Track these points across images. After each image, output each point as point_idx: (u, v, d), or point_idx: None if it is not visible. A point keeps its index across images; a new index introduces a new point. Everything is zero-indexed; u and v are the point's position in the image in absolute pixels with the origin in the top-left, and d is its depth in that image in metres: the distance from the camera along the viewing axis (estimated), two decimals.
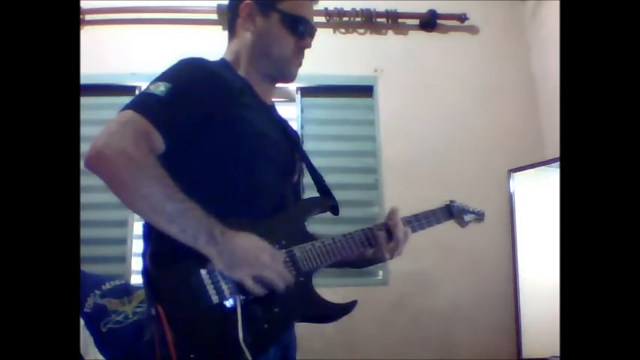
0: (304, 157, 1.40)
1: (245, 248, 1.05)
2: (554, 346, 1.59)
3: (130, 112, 1.06)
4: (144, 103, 1.08)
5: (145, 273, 1.09)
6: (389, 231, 1.32)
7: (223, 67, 1.28)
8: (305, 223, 1.26)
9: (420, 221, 1.39)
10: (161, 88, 1.10)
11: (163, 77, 1.14)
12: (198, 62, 1.21)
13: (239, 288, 1.06)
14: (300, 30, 1.29)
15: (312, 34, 1.33)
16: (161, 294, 1.05)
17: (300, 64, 1.34)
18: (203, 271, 1.05)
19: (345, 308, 1.21)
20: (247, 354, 1.01)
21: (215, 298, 1.04)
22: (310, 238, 1.22)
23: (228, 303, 1.05)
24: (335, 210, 1.39)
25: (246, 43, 1.30)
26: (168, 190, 1.01)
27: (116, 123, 1.04)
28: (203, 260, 1.05)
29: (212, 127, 1.14)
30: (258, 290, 1.05)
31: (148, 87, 1.12)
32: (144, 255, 1.12)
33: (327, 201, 1.37)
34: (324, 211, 1.36)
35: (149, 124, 1.05)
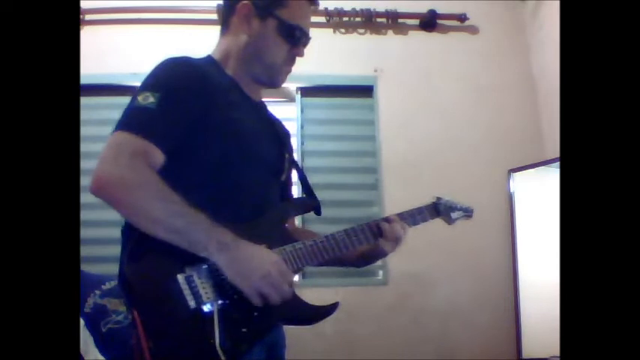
0: (292, 157, 1.39)
1: (257, 260, 1.06)
2: (554, 346, 1.59)
3: (123, 134, 1.05)
4: (135, 121, 1.08)
5: (122, 277, 1.08)
6: (376, 228, 1.31)
7: (209, 66, 1.26)
8: (287, 224, 1.25)
9: (405, 220, 1.36)
10: (150, 99, 1.08)
11: (150, 85, 1.12)
12: (183, 63, 1.19)
13: (217, 293, 1.06)
14: (295, 39, 1.28)
15: (306, 44, 1.33)
16: (138, 299, 1.04)
17: (289, 72, 1.34)
18: (180, 276, 1.04)
19: (326, 311, 1.21)
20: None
21: (192, 303, 1.04)
22: (292, 239, 1.21)
23: (206, 308, 1.04)
24: (317, 211, 1.38)
25: (239, 43, 1.28)
26: (174, 206, 1.02)
27: (112, 147, 1.05)
28: (180, 265, 1.05)
29: (201, 129, 1.14)
30: (257, 302, 1.05)
31: (135, 99, 1.10)
32: (121, 259, 1.11)
33: (309, 202, 1.37)
34: (307, 212, 1.37)
35: (145, 142, 1.05)
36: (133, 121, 1.08)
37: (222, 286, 1.06)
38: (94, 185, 1.01)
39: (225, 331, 1.03)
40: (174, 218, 1.02)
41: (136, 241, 1.05)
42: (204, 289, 1.05)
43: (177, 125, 1.11)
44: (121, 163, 1.02)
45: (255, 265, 1.05)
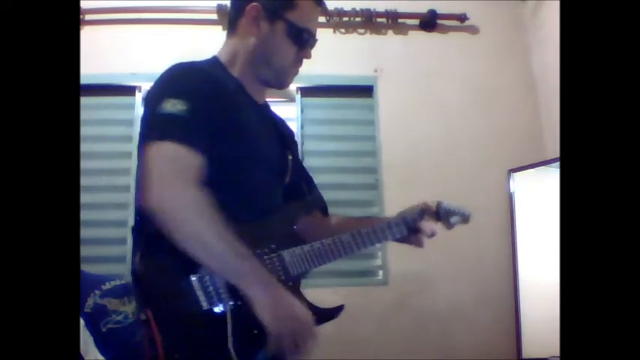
0: (296, 157, 1.39)
1: (288, 314, 1.05)
2: (554, 346, 1.59)
3: (168, 145, 1.05)
4: (173, 129, 1.07)
5: (135, 276, 1.09)
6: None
7: (215, 68, 1.27)
8: (295, 226, 1.25)
9: (408, 223, 1.35)
10: (180, 107, 1.08)
11: (174, 92, 1.11)
12: (195, 68, 1.20)
13: (229, 294, 1.06)
14: (304, 41, 1.28)
15: (313, 45, 1.33)
16: (151, 298, 1.05)
17: (296, 74, 1.34)
18: (193, 277, 1.05)
19: (331, 313, 1.21)
20: None
21: (205, 304, 1.05)
22: (300, 241, 1.22)
23: (218, 309, 1.05)
24: (325, 212, 1.39)
25: (247, 45, 1.28)
26: (223, 238, 1.02)
27: (164, 162, 1.05)
28: (193, 266, 1.05)
29: (217, 132, 1.14)
30: (274, 345, 1.05)
31: (163, 107, 1.09)
32: (134, 258, 1.11)
33: (316, 202, 1.37)
34: (313, 213, 1.36)
35: (187, 151, 1.05)
36: (170, 130, 1.07)
37: (233, 287, 1.06)
38: (153, 204, 1.02)
39: (237, 332, 1.04)
40: (219, 252, 1.03)
41: (149, 242, 1.06)
42: (217, 290, 1.06)
43: (207, 129, 1.11)
44: (180, 185, 1.03)
45: (283, 317, 1.04)
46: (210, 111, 1.13)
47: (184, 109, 1.08)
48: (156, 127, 1.09)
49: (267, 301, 1.03)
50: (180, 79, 1.16)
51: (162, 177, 1.04)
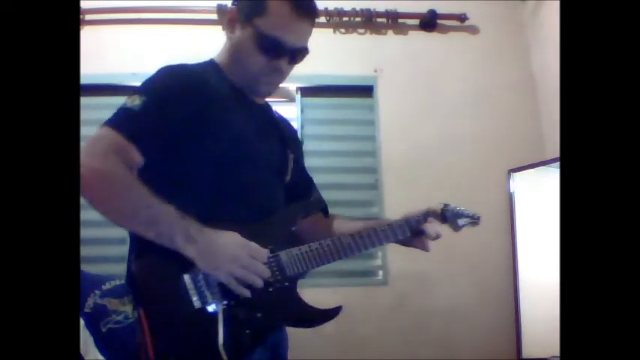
0: (297, 158, 1.39)
1: (225, 246, 1.06)
2: (554, 346, 1.59)
3: (104, 129, 1.08)
4: (119, 119, 1.10)
5: (130, 275, 1.10)
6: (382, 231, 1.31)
7: (209, 70, 1.26)
8: (294, 227, 1.24)
9: (412, 225, 1.34)
10: (136, 101, 1.11)
11: (140, 90, 1.15)
12: (176, 70, 1.20)
13: (222, 293, 1.06)
14: (274, 51, 1.21)
15: (293, 57, 1.24)
16: (144, 297, 1.06)
17: (273, 83, 1.28)
18: (186, 276, 1.06)
19: (328, 314, 1.21)
20: None
21: (197, 303, 1.05)
22: (298, 242, 1.21)
23: (211, 308, 1.05)
24: (325, 213, 1.38)
25: (228, 48, 1.29)
26: (140, 196, 1.03)
27: (90, 140, 1.07)
28: (186, 265, 1.05)
29: (193, 134, 1.14)
30: (241, 290, 1.06)
31: (125, 101, 1.13)
32: (129, 257, 1.12)
33: (316, 204, 1.37)
34: (313, 214, 1.36)
35: (123, 139, 1.06)
36: (115, 119, 1.10)
37: (226, 287, 1.07)
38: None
39: (228, 332, 1.04)
40: (141, 210, 1.03)
41: (143, 239, 1.06)
42: (210, 288, 1.06)
43: (161, 128, 1.12)
44: (94, 155, 1.04)
45: (222, 251, 1.05)
46: (175, 111, 1.13)
47: (139, 104, 1.10)
48: (110, 116, 1.12)
49: (199, 255, 1.04)
50: (155, 79, 1.18)
51: (86, 150, 1.04)
